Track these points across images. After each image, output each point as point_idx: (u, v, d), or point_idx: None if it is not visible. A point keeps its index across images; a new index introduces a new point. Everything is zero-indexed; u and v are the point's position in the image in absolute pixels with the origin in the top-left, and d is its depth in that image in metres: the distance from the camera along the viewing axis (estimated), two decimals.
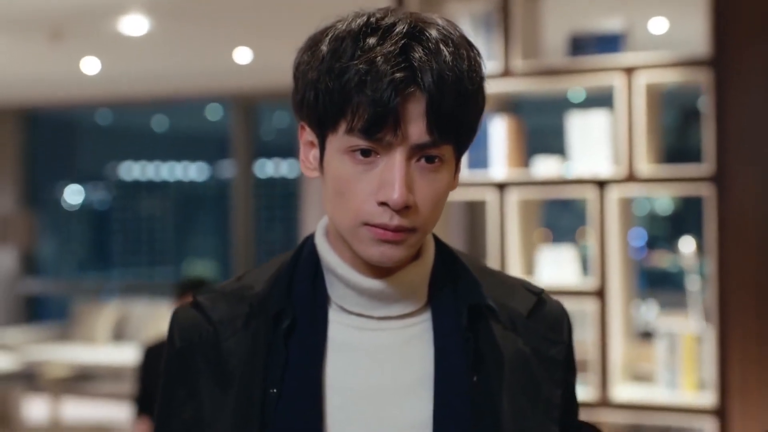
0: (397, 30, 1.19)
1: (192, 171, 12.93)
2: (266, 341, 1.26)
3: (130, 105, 10.82)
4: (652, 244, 9.34)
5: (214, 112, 12.19)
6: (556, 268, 4.52)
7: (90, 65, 7.83)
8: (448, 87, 1.17)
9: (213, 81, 9.31)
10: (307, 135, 1.28)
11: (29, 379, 7.97)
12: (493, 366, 1.27)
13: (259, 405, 1.24)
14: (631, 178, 4.27)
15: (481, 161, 4.63)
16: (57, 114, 12.13)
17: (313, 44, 1.24)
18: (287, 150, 11.23)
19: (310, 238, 1.34)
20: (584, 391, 4.40)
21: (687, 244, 6.14)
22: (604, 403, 4.30)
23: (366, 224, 1.20)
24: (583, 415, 4.43)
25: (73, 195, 12.83)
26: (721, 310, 4.15)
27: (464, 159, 4.60)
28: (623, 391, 4.37)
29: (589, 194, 4.35)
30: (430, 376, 1.25)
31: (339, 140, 1.20)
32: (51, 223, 12.35)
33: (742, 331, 4.14)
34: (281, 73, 9.13)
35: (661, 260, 7.44)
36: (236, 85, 9.48)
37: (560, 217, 9.00)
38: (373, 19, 1.21)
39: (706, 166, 4.19)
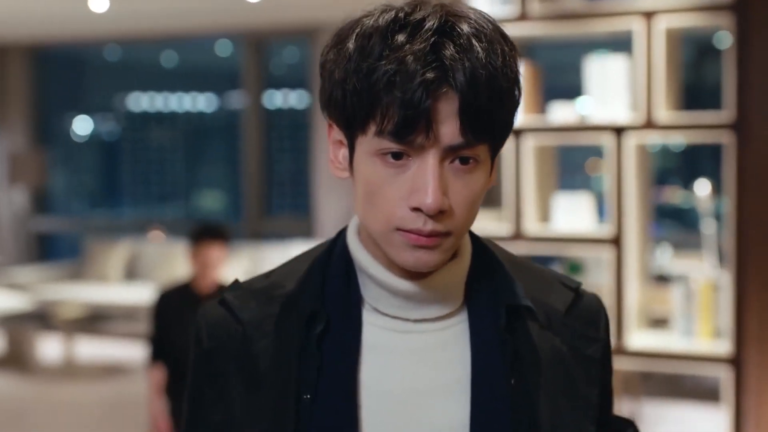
0: (427, 26, 1.14)
1: (201, 102, 12.85)
2: (298, 343, 1.22)
3: (138, 42, 10.71)
4: (664, 179, 9.28)
5: (223, 49, 12.07)
6: (571, 216, 4.48)
7: (98, 2, 7.71)
8: (482, 85, 1.12)
9: (223, 17, 9.19)
10: (335, 134, 1.23)
11: (42, 318, 8.01)
12: (531, 367, 1.23)
13: (293, 410, 1.20)
14: (649, 125, 4.20)
15: None
16: (66, 51, 12.03)
17: (339, 41, 1.18)
18: (297, 82, 11.15)
19: (342, 235, 1.30)
20: None
21: (702, 187, 6.09)
22: (619, 350, 4.29)
23: (399, 229, 1.16)
24: None
25: (82, 126, 12.79)
26: (738, 258, 4.11)
27: None
28: (638, 338, 4.36)
29: (607, 141, 4.29)
30: (467, 378, 1.22)
31: (368, 142, 1.16)
32: (61, 157, 12.32)
33: (759, 280, 4.10)
34: (291, 10, 9.08)
35: (674, 196, 7.39)
36: (246, 21, 9.36)
37: (570, 149, 8.93)
38: (401, 15, 1.16)
39: (725, 113, 4.12)
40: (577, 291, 1.33)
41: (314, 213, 9.42)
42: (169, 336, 4.50)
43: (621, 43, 4.56)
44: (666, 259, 6.36)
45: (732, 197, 4.11)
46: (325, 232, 9.12)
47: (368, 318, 1.24)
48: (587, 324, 1.31)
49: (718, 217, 6.24)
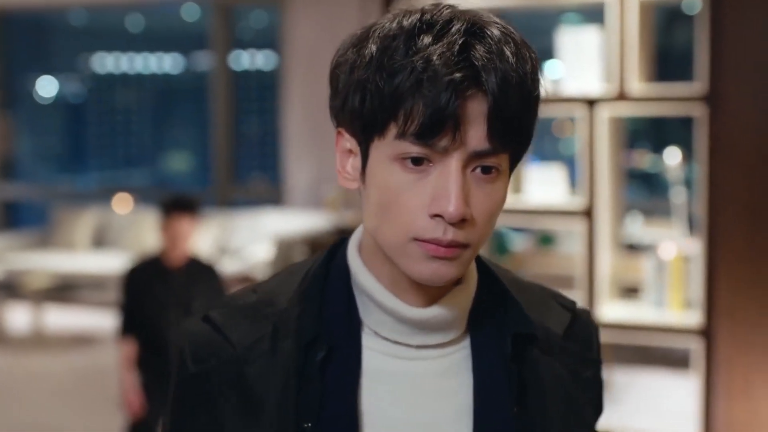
0: (454, 27, 1.10)
1: (167, 63, 12.72)
2: (297, 368, 1.16)
3: (104, 6, 10.56)
4: (632, 143, 9.29)
5: (190, 13, 11.93)
6: (544, 188, 4.47)
7: None
8: (513, 89, 1.08)
9: None
10: (344, 142, 1.17)
11: (10, 288, 7.93)
12: (535, 395, 1.20)
13: None
14: (621, 96, 4.19)
15: None
16: (30, 16, 11.86)
17: (358, 42, 1.13)
18: (264, 43, 11.06)
19: (340, 253, 1.23)
20: None
21: (672, 155, 6.11)
22: None
23: (416, 239, 1.10)
24: None
25: (47, 88, 12.63)
26: (710, 231, 4.12)
27: None
28: (610, 310, 4.37)
29: (579, 113, 4.28)
30: (469, 407, 1.18)
31: (387, 146, 1.10)
32: (26, 120, 12.17)
33: (731, 252, 4.12)
34: None
35: (642, 161, 7.39)
36: None
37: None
38: (427, 16, 1.11)
39: (698, 86, 4.12)
40: (574, 312, 1.31)
41: (283, 178, 9.38)
42: (140, 309, 4.48)
43: (593, 14, 4.54)
44: (637, 227, 6.38)
45: (704, 170, 4.11)
46: (295, 199, 9.08)
47: (368, 342, 1.19)
48: (584, 346, 1.29)
49: (687, 184, 6.26)
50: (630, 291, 5.14)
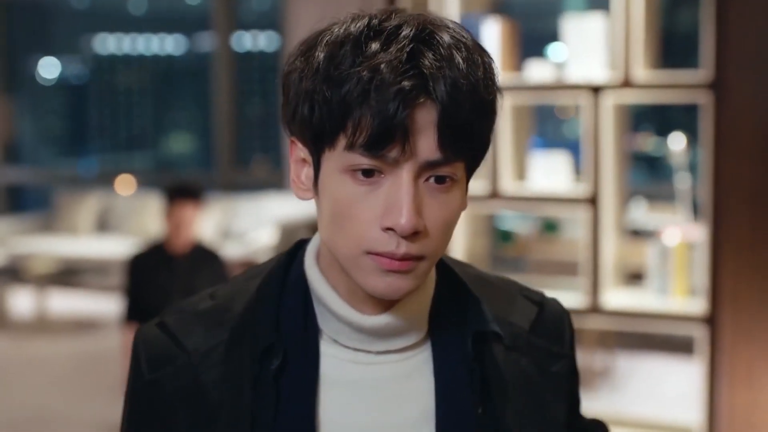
0: (403, 33, 1.06)
1: (169, 44, 12.69)
2: (252, 377, 1.14)
3: None
4: (636, 125, 9.29)
5: None
6: (548, 175, 4.46)
7: None
8: (463, 97, 1.05)
9: None
10: (298, 152, 1.14)
11: (14, 273, 7.93)
12: (498, 393, 1.18)
13: None
14: (626, 83, 4.17)
15: None
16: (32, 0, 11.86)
17: (306, 50, 1.10)
18: (266, 23, 11.03)
19: (299, 259, 1.20)
20: (574, 298, 4.40)
21: (676, 140, 6.09)
22: (595, 309, 4.30)
23: (369, 253, 1.07)
24: (573, 322, 4.43)
25: (49, 70, 12.60)
26: (715, 218, 4.11)
27: None
28: (613, 297, 4.37)
29: (584, 100, 4.26)
30: (432, 410, 1.16)
31: (337, 158, 1.07)
32: (27, 102, 12.15)
33: (735, 240, 4.11)
34: None
35: (645, 143, 7.38)
36: None
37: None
38: (375, 22, 1.08)
39: (703, 73, 4.10)
40: (540, 304, 1.29)
41: (286, 161, 9.36)
42: (144, 296, 4.48)
43: (598, 0, 4.51)
44: (640, 213, 6.37)
45: (708, 157, 4.10)
46: None
47: (327, 350, 1.16)
48: (552, 339, 1.27)
49: (692, 169, 6.25)
50: (634, 277, 5.14)
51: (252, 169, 10.32)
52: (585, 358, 5.72)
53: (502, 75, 4.35)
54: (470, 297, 1.21)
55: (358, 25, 1.07)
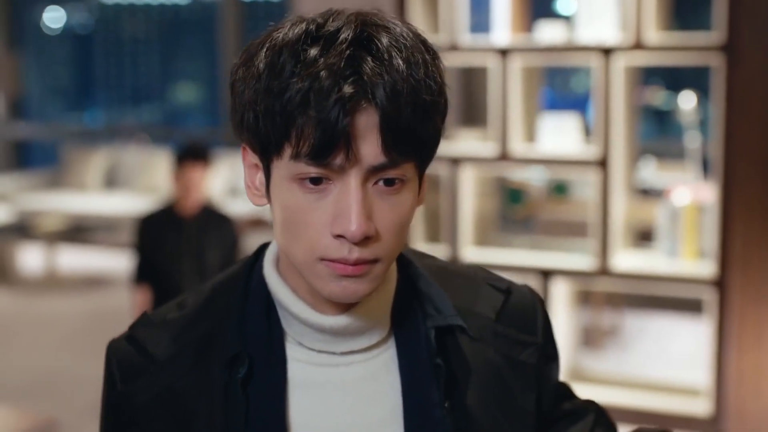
0: (341, 38, 1.05)
1: None
2: (222, 386, 1.15)
3: None
4: (645, 78, 9.23)
5: None
6: (557, 137, 4.44)
7: None
8: (404, 99, 1.04)
9: None
10: (250, 157, 1.14)
11: (23, 229, 7.93)
12: (465, 386, 1.18)
13: None
14: (638, 45, 4.13)
15: (482, 25, 4.47)
16: None
17: (247, 59, 1.09)
18: None
19: (258, 265, 1.21)
20: (584, 260, 4.40)
21: (687, 99, 6.05)
22: (604, 271, 4.30)
23: (323, 259, 1.07)
24: (581, 284, 4.41)
25: (54, 18, 12.53)
26: (725, 181, 4.10)
27: (465, 23, 4.45)
28: (623, 259, 4.37)
29: (594, 62, 4.23)
30: (400, 408, 1.17)
31: (285, 167, 1.07)
32: (34, 52, 12.09)
33: (745, 202, 4.10)
34: None
35: (654, 97, 7.33)
36: None
37: None
38: (312, 27, 1.07)
39: (716, 35, 4.06)
40: (507, 291, 1.28)
41: None
42: (154, 258, 4.49)
43: None
44: (650, 172, 6.34)
45: (720, 120, 4.07)
46: None
47: (293, 353, 1.17)
48: (520, 327, 1.26)
49: (702, 126, 6.22)
50: (643, 237, 5.13)
51: None
52: (593, 318, 5.74)
53: (512, 36, 4.32)
54: (430, 291, 1.21)
55: (296, 30, 1.07)
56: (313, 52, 1.04)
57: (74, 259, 8.58)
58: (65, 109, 12.91)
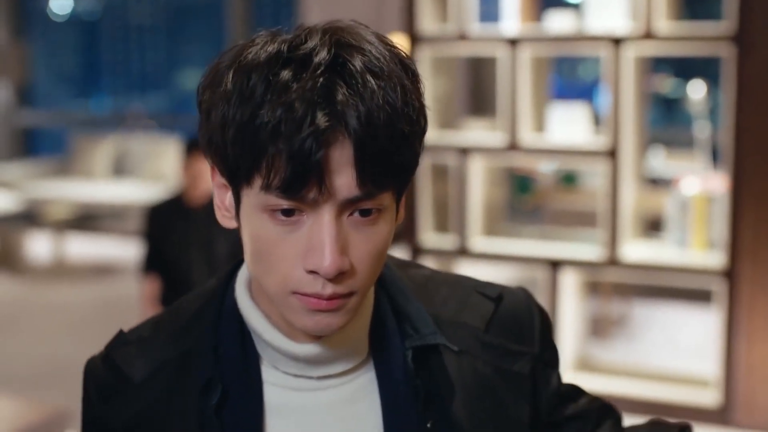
0: (315, 60, 0.98)
1: None
2: (196, 410, 1.11)
3: None
4: (653, 66, 9.22)
5: None
6: (567, 126, 4.42)
7: None
8: (379, 130, 0.98)
9: None
10: (218, 177, 1.07)
11: (31, 218, 7.94)
12: (450, 402, 1.14)
13: None
14: (648, 35, 4.12)
15: (491, 15, 4.46)
16: None
17: (216, 76, 1.02)
18: None
19: (230, 288, 1.16)
20: (592, 250, 4.39)
21: (697, 88, 6.03)
22: (613, 262, 4.29)
23: (296, 293, 1.02)
24: (590, 274, 4.40)
25: (61, 6, 12.52)
26: (735, 170, 4.09)
27: (473, 12, 4.44)
28: (632, 250, 4.36)
29: (604, 52, 4.21)
30: (381, 431, 1.13)
31: (255, 196, 1.00)
32: (40, 39, 12.08)
33: (755, 193, 4.09)
34: None
35: (663, 85, 7.31)
36: None
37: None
38: (284, 48, 1.00)
39: (726, 25, 4.04)
40: (498, 299, 1.22)
41: None
42: (162, 248, 4.49)
43: None
44: (659, 161, 6.33)
45: (731, 111, 4.06)
46: None
47: (269, 377, 1.13)
48: (513, 336, 1.20)
49: (711, 115, 6.19)
50: (652, 226, 5.12)
51: None
52: (601, 308, 5.73)
53: (521, 25, 4.31)
54: (410, 308, 1.16)
55: (268, 49, 1.00)
56: (285, 75, 0.98)
57: (82, 247, 8.59)
58: (72, 97, 12.91)
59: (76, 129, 10.30)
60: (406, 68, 1.03)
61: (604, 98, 4.25)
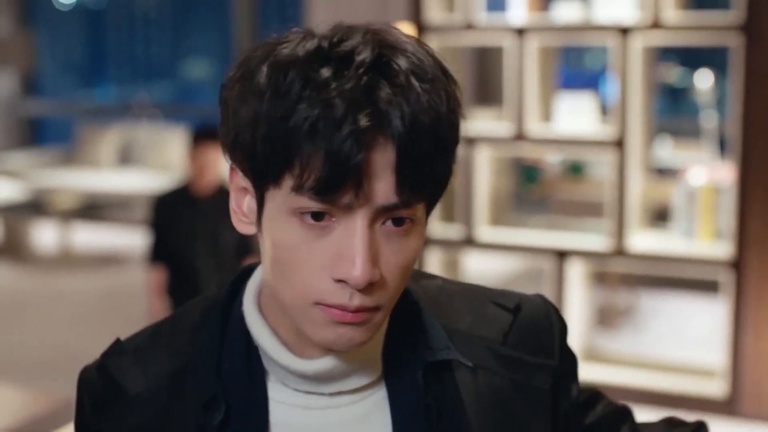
0: (358, 59, 0.93)
1: None
2: (197, 428, 1.06)
3: None
4: (660, 55, 9.20)
5: None
6: (574, 117, 4.41)
7: None
8: (423, 135, 0.93)
9: None
10: (239, 180, 1.01)
11: (37, 207, 7.94)
12: (464, 420, 1.08)
13: None
14: (656, 25, 4.10)
15: (498, 4, 4.44)
16: None
17: (247, 73, 0.97)
18: None
19: (238, 300, 1.10)
20: (599, 241, 4.38)
21: (704, 78, 6.01)
22: (619, 252, 4.28)
23: (319, 304, 0.97)
24: (596, 264, 4.40)
25: None
26: (743, 161, 4.07)
27: (481, 1, 4.42)
28: (639, 240, 4.35)
29: (612, 42, 4.20)
30: None
31: (283, 198, 0.95)
32: (46, 28, 12.08)
33: (763, 183, 4.08)
34: None
35: (669, 74, 7.29)
36: None
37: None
38: (325, 44, 0.95)
39: (735, 14, 4.02)
40: (516, 310, 1.16)
41: None
42: (169, 238, 4.49)
43: None
44: (666, 151, 6.31)
45: (739, 100, 4.04)
46: None
47: (275, 394, 1.07)
48: (532, 348, 1.15)
49: (718, 105, 6.17)
50: (659, 217, 5.11)
51: None
52: (607, 298, 5.72)
53: (528, 15, 4.29)
54: (425, 322, 1.10)
55: (306, 46, 0.95)
56: (325, 73, 0.93)
57: (88, 236, 8.59)
58: (78, 86, 12.91)
59: (81, 118, 10.29)
60: (447, 74, 0.99)
61: (611, 88, 4.24)
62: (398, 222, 0.96)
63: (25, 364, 5.35)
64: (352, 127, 0.90)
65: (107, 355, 1.14)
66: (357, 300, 0.96)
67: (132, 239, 8.28)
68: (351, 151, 0.90)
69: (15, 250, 8.12)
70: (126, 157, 9.25)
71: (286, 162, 0.93)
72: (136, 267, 7.20)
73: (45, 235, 8.42)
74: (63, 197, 8.00)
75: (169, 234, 4.49)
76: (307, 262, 0.96)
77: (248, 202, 1.01)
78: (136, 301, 6.23)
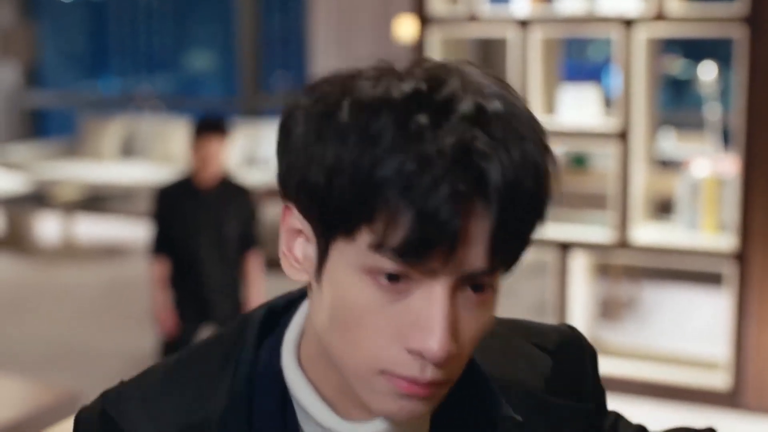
0: (460, 109, 0.83)
1: None
2: None
3: None
4: (663, 47, 9.18)
5: None
6: (577, 109, 4.40)
7: None
8: (525, 202, 0.84)
9: None
10: (294, 220, 0.91)
11: (40, 199, 7.94)
12: None
13: None
14: (660, 16, 4.09)
15: None
16: None
17: (325, 107, 0.86)
18: None
19: (272, 349, 0.99)
20: (603, 233, 4.38)
21: (707, 70, 6.00)
22: (623, 244, 4.28)
23: (386, 373, 0.87)
24: (600, 256, 4.39)
25: None
26: (747, 153, 4.07)
27: None
28: (643, 232, 4.35)
29: (615, 34, 4.19)
30: None
31: (356, 254, 0.85)
32: (49, 20, 12.07)
33: (767, 175, 4.07)
34: None
35: (672, 66, 7.28)
36: None
37: None
38: (423, 86, 0.84)
39: (739, 6, 4.01)
40: (556, 350, 1.09)
41: (309, 79, 9.25)
42: (172, 230, 4.49)
43: None
44: (670, 143, 6.30)
45: (743, 93, 4.03)
46: None
47: None
48: (572, 392, 1.08)
49: (722, 97, 6.16)
50: (663, 209, 5.11)
51: (275, 93, 10.25)
52: (611, 290, 5.72)
53: (531, 7, 4.28)
54: (477, 376, 1.01)
55: (402, 87, 0.84)
56: (423, 120, 0.82)
57: (91, 228, 8.59)
58: (80, 77, 12.90)
59: (84, 110, 10.29)
60: (536, 123, 0.88)
61: (614, 80, 4.23)
62: (478, 288, 0.87)
63: (27, 357, 5.35)
64: (451, 190, 0.81)
65: (110, 400, 1.02)
66: (429, 373, 0.87)
67: (135, 231, 8.28)
68: (449, 215, 0.81)
69: (18, 242, 8.12)
70: (129, 149, 9.25)
71: (368, 216, 0.83)
72: (139, 259, 7.20)
73: (48, 227, 8.42)
74: (66, 189, 8.00)
75: (172, 226, 4.49)
76: (377, 327, 0.87)
77: (303, 247, 0.92)
78: (139, 292, 6.24)
